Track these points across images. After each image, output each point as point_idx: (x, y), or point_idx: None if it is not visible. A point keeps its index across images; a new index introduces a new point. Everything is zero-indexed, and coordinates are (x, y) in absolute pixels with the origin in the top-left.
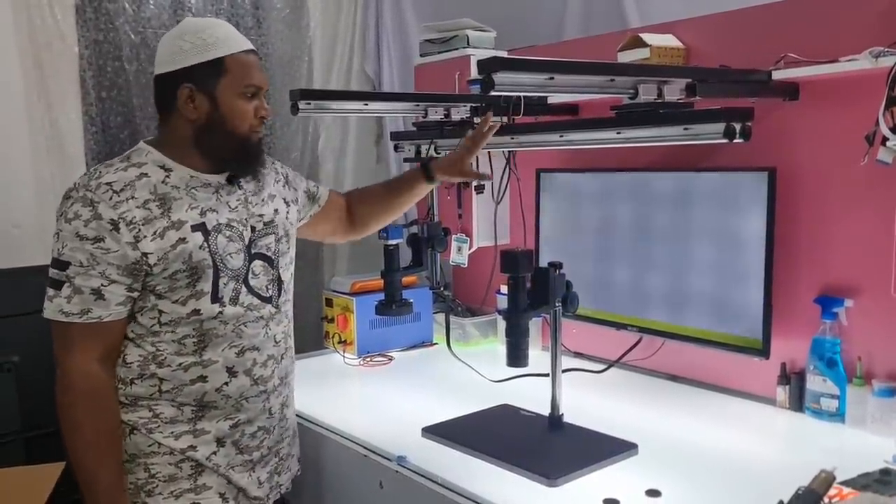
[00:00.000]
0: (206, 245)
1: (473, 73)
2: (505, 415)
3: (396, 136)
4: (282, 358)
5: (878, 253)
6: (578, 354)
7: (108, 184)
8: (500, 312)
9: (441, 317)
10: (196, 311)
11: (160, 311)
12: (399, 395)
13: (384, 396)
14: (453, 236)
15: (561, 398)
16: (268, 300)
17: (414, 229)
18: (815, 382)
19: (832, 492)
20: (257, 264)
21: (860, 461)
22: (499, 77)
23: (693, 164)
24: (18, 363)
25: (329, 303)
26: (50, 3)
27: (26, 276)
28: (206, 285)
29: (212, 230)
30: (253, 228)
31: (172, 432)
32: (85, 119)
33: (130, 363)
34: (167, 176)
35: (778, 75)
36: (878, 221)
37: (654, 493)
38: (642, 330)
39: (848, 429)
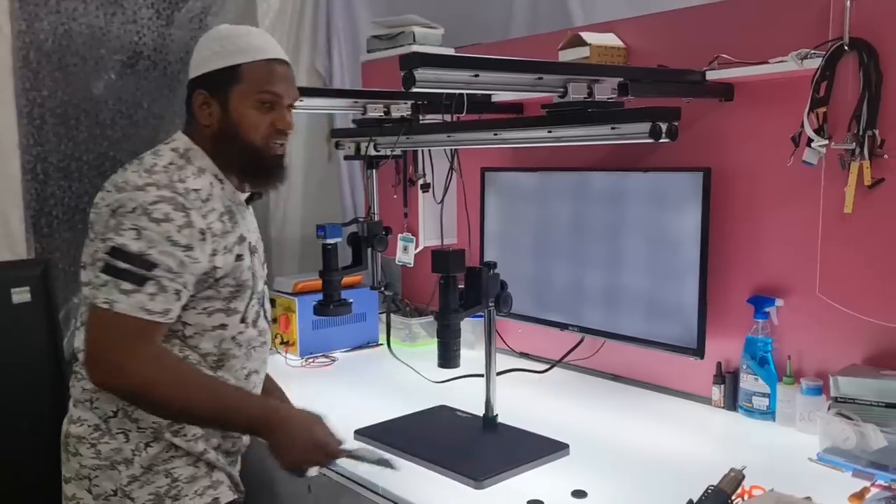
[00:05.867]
0: (251, 265)
1: None
2: (440, 416)
3: (336, 133)
4: (263, 379)
5: (805, 253)
6: (524, 355)
7: (196, 191)
8: (432, 313)
9: (392, 317)
10: (222, 326)
11: (184, 324)
12: (337, 397)
13: (322, 398)
14: (399, 235)
15: (495, 399)
16: (267, 325)
17: (354, 228)
18: (748, 381)
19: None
20: (266, 288)
21: (787, 459)
22: (420, 73)
23: (635, 164)
24: None
25: (272, 303)
26: None
27: None
28: (241, 304)
29: (251, 250)
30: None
31: (194, 435)
32: (19, 112)
33: None
34: (223, 188)
35: (712, 76)
36: (804, 222)
37: (580, 493)
38: (583, 330)
39: (778, 426)
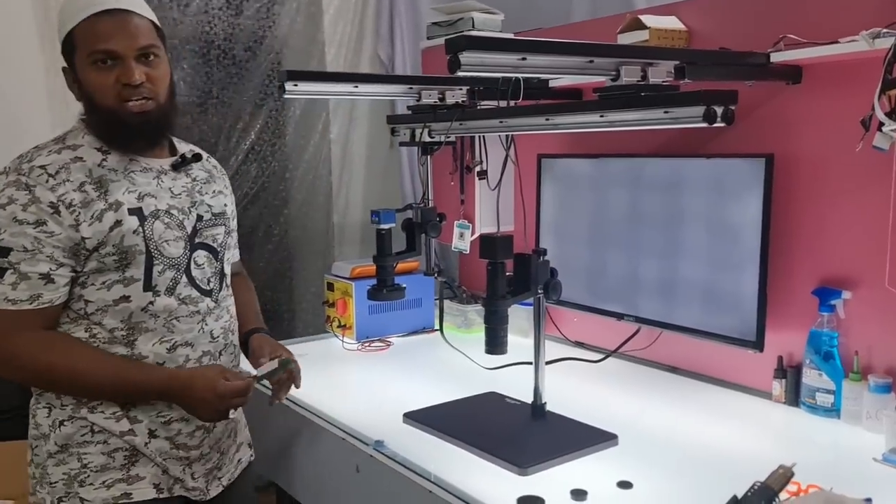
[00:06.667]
0: (140, 230)
1: None
2: (489, 402)
3: (392, 119)
4: (220, 354)
5: (874, 244)
6: (580, 344)
7: (42, 167)
8: (480, 299)
9: (448, 304)
10: (125, 298)
11: (86, 301)
12: (390, 381)
13: (375, 381)
14: (455, 222)
15: (544, 387)
16: (207, 293)
17: (408, 214)
18: (811, 377)
19: (792, 487)
20: (201, 254)
21: (850, 458)
22: (465, 57)
23: (697, 150)
24: None
25: (330, 287)
26: None
27: None
28: (137, 272)
29: (148, 215)
30: (199, 217)
31: (114, 413)
32: None
33: None
34: (104, 159)
35: (776, 57)
36: (874, 211)
37: (625, 484)
38: (639, 320)
39: (843, 425)
